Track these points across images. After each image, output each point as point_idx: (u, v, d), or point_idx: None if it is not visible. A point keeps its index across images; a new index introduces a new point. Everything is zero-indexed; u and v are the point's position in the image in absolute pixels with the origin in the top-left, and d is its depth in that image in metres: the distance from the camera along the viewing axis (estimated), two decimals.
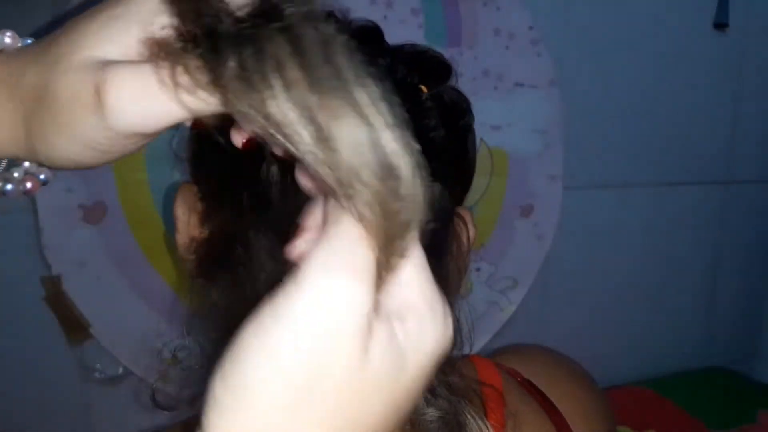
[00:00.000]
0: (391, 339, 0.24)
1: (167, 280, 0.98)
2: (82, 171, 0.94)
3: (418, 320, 0.24)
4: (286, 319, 0.22)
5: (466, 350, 0.47)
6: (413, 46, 0.47)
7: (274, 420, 0.22)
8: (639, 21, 1.18)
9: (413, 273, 0.25)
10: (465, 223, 0.49)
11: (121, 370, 0.97)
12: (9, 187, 0.36)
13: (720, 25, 1.22)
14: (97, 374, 0.96)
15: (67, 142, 0.29)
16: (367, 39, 0.42)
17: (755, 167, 1.33)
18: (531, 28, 1.10)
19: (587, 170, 1.21)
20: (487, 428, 0.41)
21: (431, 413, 0.39)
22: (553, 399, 0.51)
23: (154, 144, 1.02)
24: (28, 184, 0.37)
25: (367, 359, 0.23)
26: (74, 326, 0.94)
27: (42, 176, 0.38)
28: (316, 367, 0.22)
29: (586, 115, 1.19)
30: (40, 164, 0.35)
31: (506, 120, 1.11)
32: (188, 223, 0.47)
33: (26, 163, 0.37)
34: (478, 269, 1.14)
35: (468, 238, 0.49)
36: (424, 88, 0.43)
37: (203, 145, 0.48)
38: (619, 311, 1.29)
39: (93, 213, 0.94)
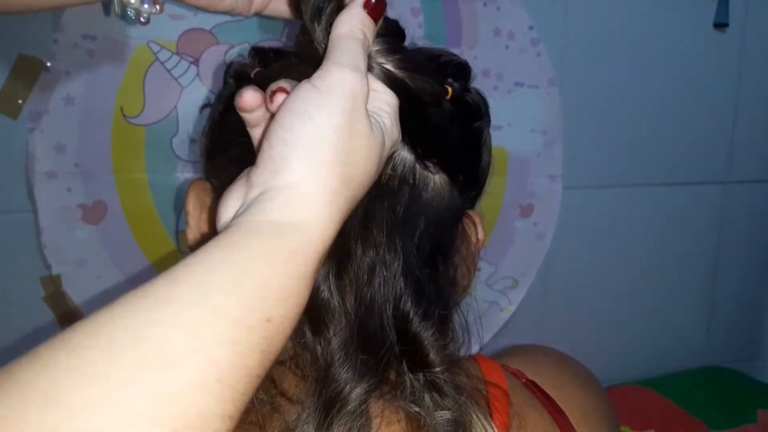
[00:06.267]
0: (374, 122, 0.37)
1: None
2: (82, 171, 0.94)
3: (387, 117, 0.38)
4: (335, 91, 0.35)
5: (475, 350, 0.47)
6: (430, 48, 0.47)
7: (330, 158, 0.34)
8: (639, 21, 1.18)
9: (383, 86, 0.39)
10: (474, 225, 0.49)
11: None
12: (146, 6, 0.43)
13: (720, 25, 1.22)
14: None
15: None
16: (389, 32, 0.42)
17: (755, 167, 1.33)
18: (531, 28, 1.11)
19: (587, 170, 1.21)
20: (492, 428, 0.41)
21: (442, 415, 0.40)
22: (557, 400, 0.51)
23: (154, 144, 1.02)
24: (157, 6, 0.44)
25: (370, 126, 0.36)
26: None
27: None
28: (351, 123, 0.35)
29: (586, 115, 1.19)
30: None
31: (506, 120, 1.11)
32: (199, 219, 0.48)
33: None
34: (477, 269, 1.14)
35: (478, 239, 0.50)
36: (449, 89, 0.44)
37: (217, 140, 0.49)
38: (619, 311, 1.29)
39: (93, 213, 0.94)
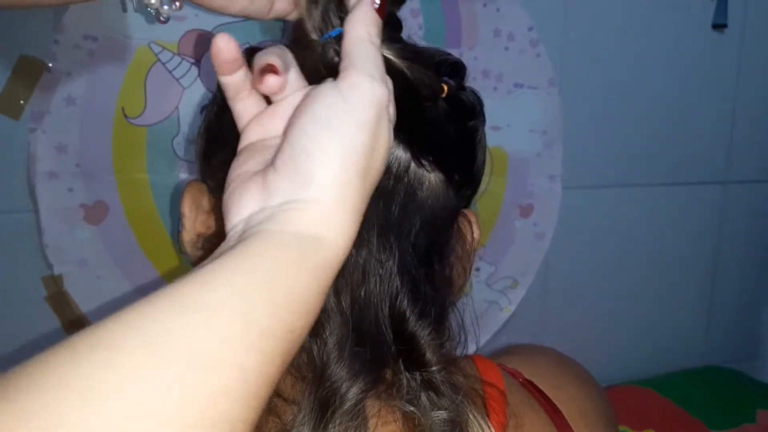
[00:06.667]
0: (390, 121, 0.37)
1: (168, 280, 0.98)
2: (83, 171, 0.94)
3: (392, 105, 0.38)
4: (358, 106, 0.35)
5: (472, 349, 0.47)
6: (425, 48, 0.47)
7: (360, 165, 0.34)
8: (638, 21, 1.18)
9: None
10: (470, 224, 0.50)
11: None
12: (165, 6, 0.43)
13: (719, 25, 1.22)
14: None
15: None
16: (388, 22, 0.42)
17: (754, 167, 1.33)
18: (531, 28, 1.11)
19: (587, 170, 1.21)
20: (489, 428, 0.41)
21: (439, 415, 0.40)
22: (555, 400, 0.51)
23: (156, 145, 1.02)
24: (177, 3, 0.44)
25: (390, 135, 0.37)
26: (76, 326, 0.94)
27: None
28: (375, 138, 0.35)
29: (586, 115, 1.19)
30: None
31: (506, 120, 1.11)
32: (195, 220, 0.48)
33: None
34: (477, 269, 1.14)
35: (473, 238, 0.50)
36: (445, 87, 0.44)
37: (212, 141, 0.49)
38: (619, 311, 1.29)
39: (94, 213, 0.94)
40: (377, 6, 0.39)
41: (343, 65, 0.36)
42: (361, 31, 0.37)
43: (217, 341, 0.28)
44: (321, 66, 0.40)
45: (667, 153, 1.26)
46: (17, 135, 0.91)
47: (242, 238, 0.32)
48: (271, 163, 0.35)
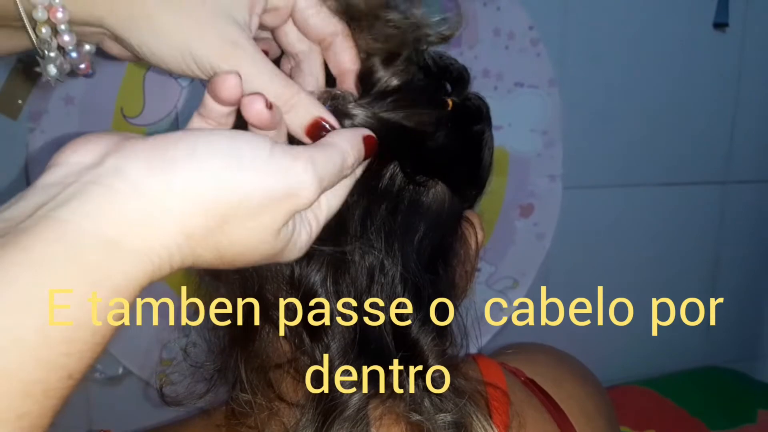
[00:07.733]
0: (288, 230, 0.32)
1: (167, 280, 0.97)
2: None
3: (307, 235, 0.34)
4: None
5: (473, 350, 0.47)
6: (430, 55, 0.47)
7: None
8: (639, 21, 1.18)
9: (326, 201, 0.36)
10: (473, 227, 0.49)
11: (121, 370, 0.97)
12: (52, 70, 0.38)
13: (720, 24, 1.21)
14: (97, 374, 0.96)
15: (168, 43, 0.34)
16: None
17: (754, 167, 1.33)
18: (531, 28, 1.10)
19: (587, 170, 1.21)
20: (492, 429, 0.41)
21: (443, 418, 0.40)
22: (556, 398, 0.50)
23: None
24: (82, 65, 0.40)
25: (277, 234, 0.31)
26: None
27: (88, 47, 0.41)
28: (269, 219, 0.30)
29: (586, 115, 1.18)
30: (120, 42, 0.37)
31: (506, 120, 1.11)
32: None
33: (87, 46, 0.40)
34: (478, 269, 1.14)
35: (476, 241, 0.49)
36: (449, 102, 0.43)
37: None
38: (619, 311, 1.29)
39: None
40: (369, 139, 0.35)
41: (315, 145, 0.33)
42: (345, 144, 0.34)
43: None
44: None
45: (667, 153, 1.25)
46: (16, 135, 0.91)
47: (34, 219, 0.24)
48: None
